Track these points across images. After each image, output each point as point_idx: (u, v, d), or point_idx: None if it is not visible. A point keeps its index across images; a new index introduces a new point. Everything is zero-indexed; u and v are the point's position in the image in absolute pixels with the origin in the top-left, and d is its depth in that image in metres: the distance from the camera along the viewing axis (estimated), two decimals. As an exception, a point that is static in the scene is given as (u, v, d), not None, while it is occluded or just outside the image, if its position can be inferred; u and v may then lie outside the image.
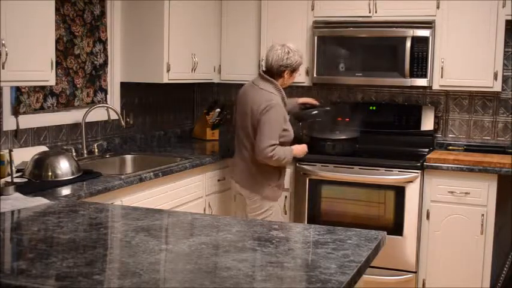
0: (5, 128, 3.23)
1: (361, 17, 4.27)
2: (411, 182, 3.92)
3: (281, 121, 3.45)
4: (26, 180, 2.90)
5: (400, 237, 3.96)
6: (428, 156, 4.02)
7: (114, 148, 4.06)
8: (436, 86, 4.17)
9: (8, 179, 2.76)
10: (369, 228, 2.27)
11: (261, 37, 4.53)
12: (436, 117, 4.43)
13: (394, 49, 4.17)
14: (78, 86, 3.79)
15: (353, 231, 2.15)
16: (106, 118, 3.87)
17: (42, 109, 3.51)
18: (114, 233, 2.14)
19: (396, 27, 4.15)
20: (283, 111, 3.48)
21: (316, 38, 4.33)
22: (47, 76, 3.00)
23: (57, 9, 3.38)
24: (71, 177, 3.00)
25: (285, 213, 4.18)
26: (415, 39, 4.09)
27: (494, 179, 3.82)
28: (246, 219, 2.45)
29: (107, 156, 3.84)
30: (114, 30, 4.05)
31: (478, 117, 4.43)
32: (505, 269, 4.23)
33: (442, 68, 4.11)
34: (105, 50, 4.00)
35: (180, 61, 4.13)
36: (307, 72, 4.37)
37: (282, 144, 3.47)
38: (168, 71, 4.00)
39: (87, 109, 3.75)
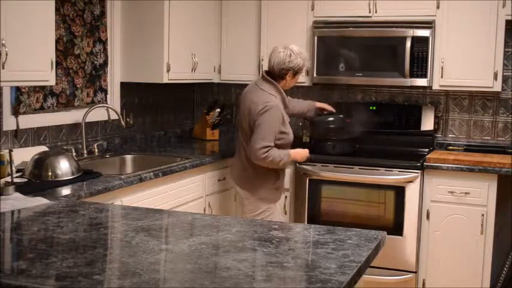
0: (5, 128, 3.23)
1: (361, 17, 4.27)
2: (411, 182, 3.92)
3: (277, 123, 3.42)
4: (26, 180, 2.90)
5: (400, 237, 3.96)
6: (428, 156, 4.02)
7: (114, 148, 4.06)
8: (436, 86, 4.17)
9: (8, 179, 2.76)
10: (369, 228, 2.27)
11: (261, 37, 4.53)
12: (436, 117, 4.43)
13: (394, 49, 4.17)
14: (78, 86, 3.79)
15: (353, 231, 2.14)
16: (106, 118, 3.88)
17: (42, 109, 3.51)
18: (114, 233, 2.14)
19: (396, 27, 4.15)
20: (281, 114, 3.44)
21: (316, 38, 4.33)
22: (47, 76, 3.00)
23: (57, 9, 3.38)
24: (71, 177, 3.00)
25: (285, 213, 4.18)
26: (415, 39, 4.09)
27: (494, 179, 3.82)
28: (246, 219, 2.44)
29: (107, 156, 3.84)
30: (114, 30, 4.05)
31: (478, 117, 4.43)
32: (505, 269, 4.23)
33: (442, 68, 4.11)
34: (105, 50, 4.00)
35: (180, 61, 4.13)
36: (307, 72, 4.37)
37: (280, 146, 3.45)
38: (168, 71, 4.00)
39: (87, 109, 3.75)
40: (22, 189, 2.66)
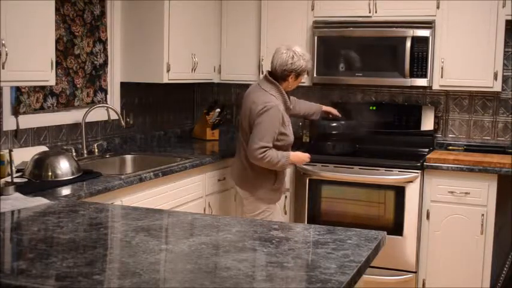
0: (5, 128, 3.23)
1: (361, 17, 4.27)
2: (411, 182, 3.92)
3: (277, 124, 3.39)
4: (26, 180, 2.90)
5: (400, 237, 3.96)
6: (428, 156, 4.02)
7: (114, 148, 4.06)
8: (436, 86, 4.17)
9: (8, 179, 2.76)
10: (369, 228, 2.27)
11: (261, 37, 4.53)
12: (436, 117, 4.43)
13: (394, 49, 4.17)
14: (78, 86, 3.79)
15: (353, 231, 2.14)
16: (106, 118, 3.87)
17: (42, 109, 3.51)
18: (114, 233, 2.14)
19: (396, 27, 4.15)
20: (280, 115, 3.41)
21: (316, 38, 4.33)
22: (47, 76, 3.00)
23: (57, 9, 3.38)
24: (71, 177, 3.00)
25: (285, 213, 4.18)
26: (415, 39, 4.09)
27: (494, 179, 3.82)
28: (246, 219, 2.44)
29: (107, 156, 3.84)
30: (114, 30, 4.05)
31: (478, 117, 4.43)
32: (505, 269, 4.23)
33: (442, 68, 4.11)
34: (105, 50, 4.00)
35: (180, 61, 4.13)
36: (307, 72, 4.36)
37: (280, 148, 3.44)
38: (168, 71, 4.00)
39: (87, 109, 3.75)
40: (22, 189, 2.66)
